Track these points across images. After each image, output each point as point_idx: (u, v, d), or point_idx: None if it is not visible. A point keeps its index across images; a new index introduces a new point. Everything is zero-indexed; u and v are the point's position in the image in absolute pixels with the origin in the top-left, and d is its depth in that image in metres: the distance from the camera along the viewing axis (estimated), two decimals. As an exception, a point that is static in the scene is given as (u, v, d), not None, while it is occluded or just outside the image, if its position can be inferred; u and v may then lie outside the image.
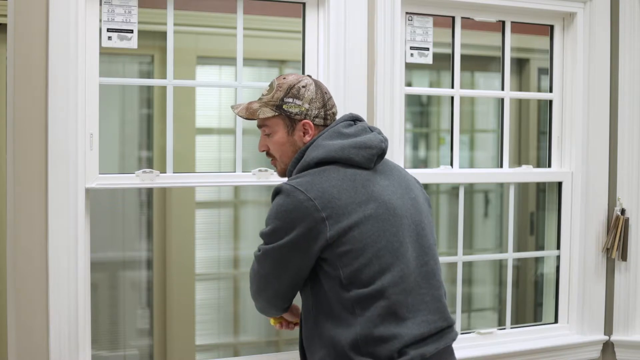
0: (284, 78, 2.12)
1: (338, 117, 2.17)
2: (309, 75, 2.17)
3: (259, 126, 2.15)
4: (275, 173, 2.73)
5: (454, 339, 2.07)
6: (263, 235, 2.01)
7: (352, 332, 1.92)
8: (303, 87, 2.09)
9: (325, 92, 2.14)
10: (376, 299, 1.93)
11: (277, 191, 1.99)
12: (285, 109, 2.08)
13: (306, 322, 2.05)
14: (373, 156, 2.04)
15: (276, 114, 2.10)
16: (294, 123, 2.09)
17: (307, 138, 2.09)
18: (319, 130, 2.10)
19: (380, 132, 2.12)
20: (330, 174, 1.97)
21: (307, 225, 1.91)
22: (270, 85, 2.13)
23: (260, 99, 2.14)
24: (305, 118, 2.09)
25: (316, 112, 2.10)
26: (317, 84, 2.13)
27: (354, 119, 2.13)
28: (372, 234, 1.94)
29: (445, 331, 2.04)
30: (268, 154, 2.18)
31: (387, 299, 1.93)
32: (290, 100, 2.09)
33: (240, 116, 2.17)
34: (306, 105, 2.09)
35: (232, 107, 2.21)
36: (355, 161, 2.01)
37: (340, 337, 1.93)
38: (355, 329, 1.92)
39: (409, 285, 1.97)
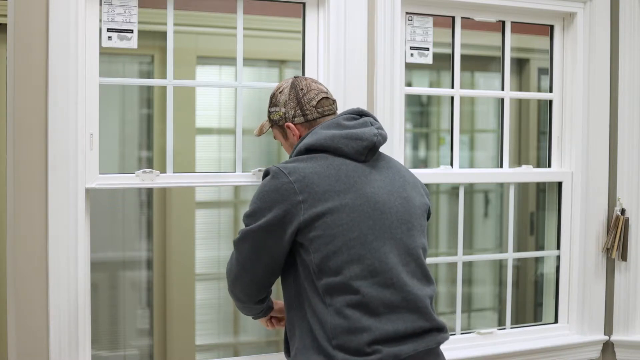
0: (275, 87, 2.28)
1: (345, 109, 2.28)
2: (295, 76, 2.25)
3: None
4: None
5: (439, 342, 2.04)
6: (244, 216, 2.07)
7: (324, 321, 1.94)
8: (280, 92, 2.23)
9: (301, 89, 2.20)
10: (344, 290, 1.95)
11: (266, 172, 2.07)
12: (272, 118, 2.25)
13: (288, 312, 2.08)
14: (364, 149, 2.06)
15: (270, 125, 2.29)
16: (283, 128, 2.23)
17: (295, 139, 2.20)
18: (310, 126, 2.18)
19: (379, 127, 2.14)
20: (316, 161, 2.03)
21: (284, 207, 1.97)
22: (273, 93, 2.30)
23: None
24: (286, 121, 2.20)
25: (292, 112, 2.19)
26: (293, 84, 2.21)
27: (360, 113, 2.16)
28: (345, 223, 1.96)
29: (428, 333, 2.01)
30: None
31: (357, 292, 1.94)
32: (272, 109, 2.25)
33: (257, 136, 2.38)
34: (283, 109, 2.20)
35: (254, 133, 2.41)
36: (344, 151, 2.05)
37: (315, 327, 1.96)
38: (326, 318, 1.94)
39: (386, 280, 1.97)
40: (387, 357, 1.92)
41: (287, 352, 2.14)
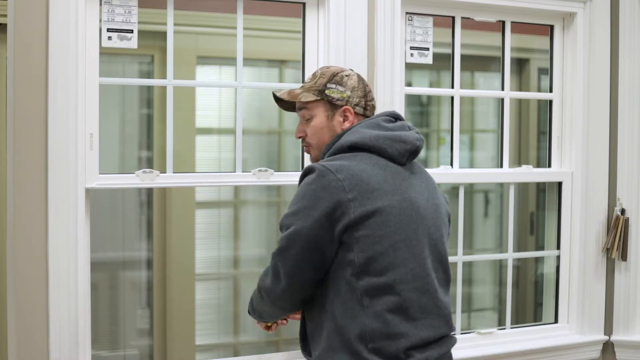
0: (327, 68, 2.17)
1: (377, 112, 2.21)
2: (351, 70, 2.21)
3: (300, 109, 2.16)
4: (273, 173, 2.73)
5: (453, 345, 2.07)
6: (285, 218, 1.96)
7: (360, 323, 1.90)
8: (346, 76, 2.13)
9: (367, 85, 2.17)
10: (386, 291, 1.91)
11: (308, 171, 1.97)
12: (328, 93, 2.11)
13: (311, 311, 2.03)
14: (407, 152, 2.04)
15: (318, 98, 2.12)
16: (335, 108, 2.11)
17: (346, 124, 2.10)
18: (358, 120, 2.12)
19: (418, 132, 2.12)
20: (362, 160, 1.98)
21: (333, 205, 1.90)
22: (313, 74, 2.17)
23: (302, 86, 2.17)
24: (346, 104, 2.11)
25: (357, 101, 2.12)
26: (360, 76, 2.17)
27: (395, 117, 2.14)
28: (393, 225, 1.93)
29: (446, 338, 2.03)
30: (304, 140, 2.18)
31: (398, 295, 1.92)
32: (333, 86, 2.12)
33: (282, 98, 2.19)
34: (348, 92, 2.11)
35: (274, 92, 2.25)
36: (388, 153, 2.01)
37: (348, 328, 1.91)
38: (363, 320, 1.90)
39: (423, 286, 1.96)
40: None
41: (306, 350, 2.09)
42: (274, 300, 2.05)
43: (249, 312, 2.21)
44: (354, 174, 1.93)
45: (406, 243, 1.95)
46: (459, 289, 3.06)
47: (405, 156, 2.04)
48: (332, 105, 2.11)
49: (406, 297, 1.93)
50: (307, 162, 2.75)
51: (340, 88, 2.11)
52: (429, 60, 2.97)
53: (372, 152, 2.02)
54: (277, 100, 2.26)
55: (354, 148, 2.02)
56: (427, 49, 2.96)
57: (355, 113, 2.12)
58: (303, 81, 2.78)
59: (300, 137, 2.17)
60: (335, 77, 2.13)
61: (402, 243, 1.94)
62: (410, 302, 1.93)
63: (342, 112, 2.11)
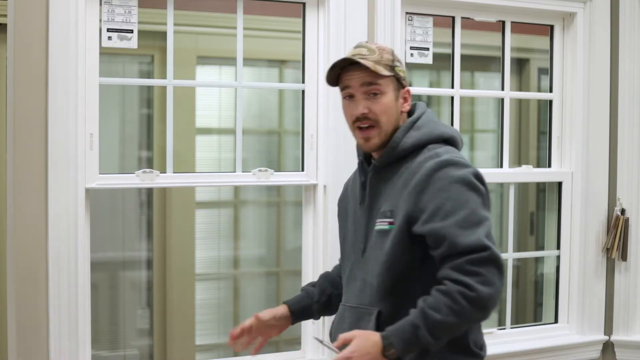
0: (377, 44, 1.96)
1: None
2: None
3: (368, 84, 1.87)
4: (273, 173, 2.72)
5: None
6: (481, 209, 1.77)
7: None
8: (397, 54, 1.96)
9: None
10: None
11: (453, 163, 1.80)
12: (397, 71, 1.91)
13: (402, 308, 1.78)
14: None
15: (391, 74, 1.89)
16: (399, 88, 1.92)
17: (406, 107, 1.94)
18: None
19: None
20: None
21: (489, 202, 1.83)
22: (366, 47, 1.90)
23: (362, 56, 1.88)
24: (407, 86, 1.95)
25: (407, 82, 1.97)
26: None
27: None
28: None
29: None
30: (364, 118, 1.88)
31: None
32: (398, 64, 1.93)
33: (361, 63, 1.85)
34: (405, 74, 1.95)
35: (349, 57, 1.89)
36: (460, 147, 1.98)
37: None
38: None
39: None
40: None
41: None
42: (495, 305, 1.76)
43: (428, 343, 1.72)
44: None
45: None
46: (459, 289, 3.05)
47: None
48: (399, 85, 1.92)
49: None
50: (307, 162, 2.76)
51: (401, 67, 1.93)
52: (429, 60, 2.97)
53: (456, 146, 1.94)
54: (331, 69, 1.91)
55: (447, 142, 1.92)
56: (427, 49, 2.96)
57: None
58: (303, 81, 2.78)
59: (363, 115, 1.88)
60: (395, 54, 1.93)
61: None
62: None
63: (405, 92, 1.94)
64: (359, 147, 1.99)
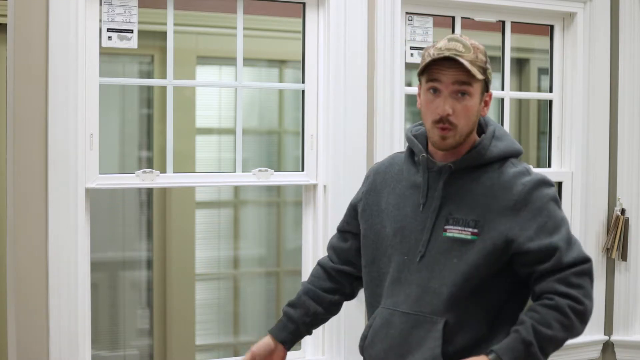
0: (471, 41, 1.81)
1: None
2: None
3: (461, 83, 1.76)
4: (273, 173, 2.72)
5: None
6: (567, 229, 1.81)
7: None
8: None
9: None
10: None
11: (545, 182, 1.83)
12: (487, 74, 1.82)
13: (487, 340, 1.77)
14: None
15: (482, 77, 1.79)
16: (484, 92, 1.83)
17: (486, 111, 1.87)
18: None
19: None
20: None
21: None
22: (462, 43, 1.78)
23: (459, 53, 1.76)
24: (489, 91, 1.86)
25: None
26: None
27: None
28: None
29: None
30: (444, 122, 1.77)
31: None
32: (489, 66, 1.83)
33: (459, 61, 1.74)
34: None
35: (451, 55, 1.75)
36: None
37: None
38: None
39: None
40: None
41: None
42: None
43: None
44: None
45: None
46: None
47: None
48: (485, 89, 1.82)
49: None
50: (307, 162, 2.76)
51: (491, 69, 1.84)
52: (429, 60, 2.97)
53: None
54: (427, 66, 1.78)
55: (520, 156, 1.90)
56: (427, 49, 2.96)
57: None
58: (303, 81, 2.78)
59: (447, 116, 1.76)
60: (487, 55, 1.82)
61: None
62: None
63: (487, 96, 1.85)
64: (412, 141, 1.89)
